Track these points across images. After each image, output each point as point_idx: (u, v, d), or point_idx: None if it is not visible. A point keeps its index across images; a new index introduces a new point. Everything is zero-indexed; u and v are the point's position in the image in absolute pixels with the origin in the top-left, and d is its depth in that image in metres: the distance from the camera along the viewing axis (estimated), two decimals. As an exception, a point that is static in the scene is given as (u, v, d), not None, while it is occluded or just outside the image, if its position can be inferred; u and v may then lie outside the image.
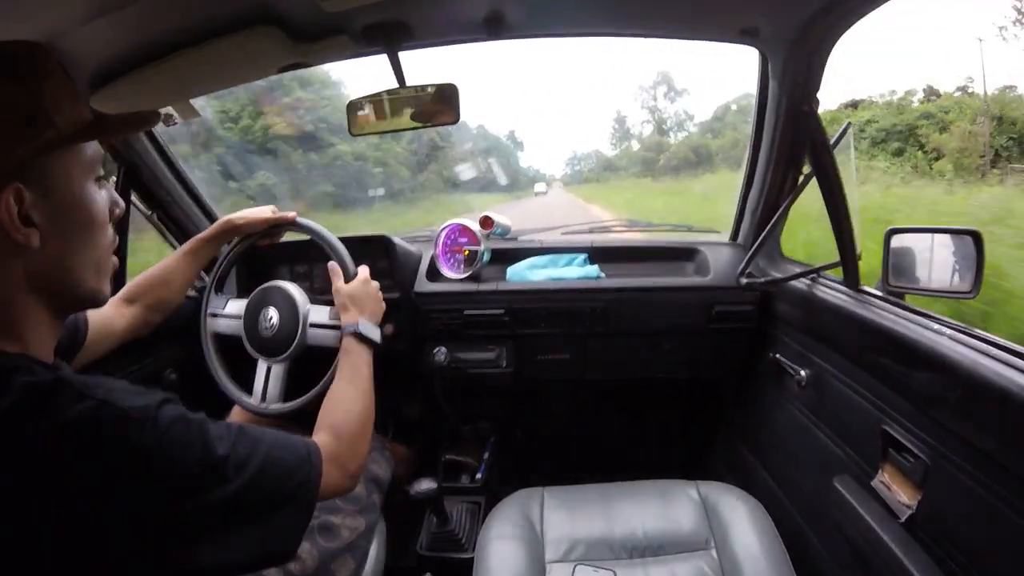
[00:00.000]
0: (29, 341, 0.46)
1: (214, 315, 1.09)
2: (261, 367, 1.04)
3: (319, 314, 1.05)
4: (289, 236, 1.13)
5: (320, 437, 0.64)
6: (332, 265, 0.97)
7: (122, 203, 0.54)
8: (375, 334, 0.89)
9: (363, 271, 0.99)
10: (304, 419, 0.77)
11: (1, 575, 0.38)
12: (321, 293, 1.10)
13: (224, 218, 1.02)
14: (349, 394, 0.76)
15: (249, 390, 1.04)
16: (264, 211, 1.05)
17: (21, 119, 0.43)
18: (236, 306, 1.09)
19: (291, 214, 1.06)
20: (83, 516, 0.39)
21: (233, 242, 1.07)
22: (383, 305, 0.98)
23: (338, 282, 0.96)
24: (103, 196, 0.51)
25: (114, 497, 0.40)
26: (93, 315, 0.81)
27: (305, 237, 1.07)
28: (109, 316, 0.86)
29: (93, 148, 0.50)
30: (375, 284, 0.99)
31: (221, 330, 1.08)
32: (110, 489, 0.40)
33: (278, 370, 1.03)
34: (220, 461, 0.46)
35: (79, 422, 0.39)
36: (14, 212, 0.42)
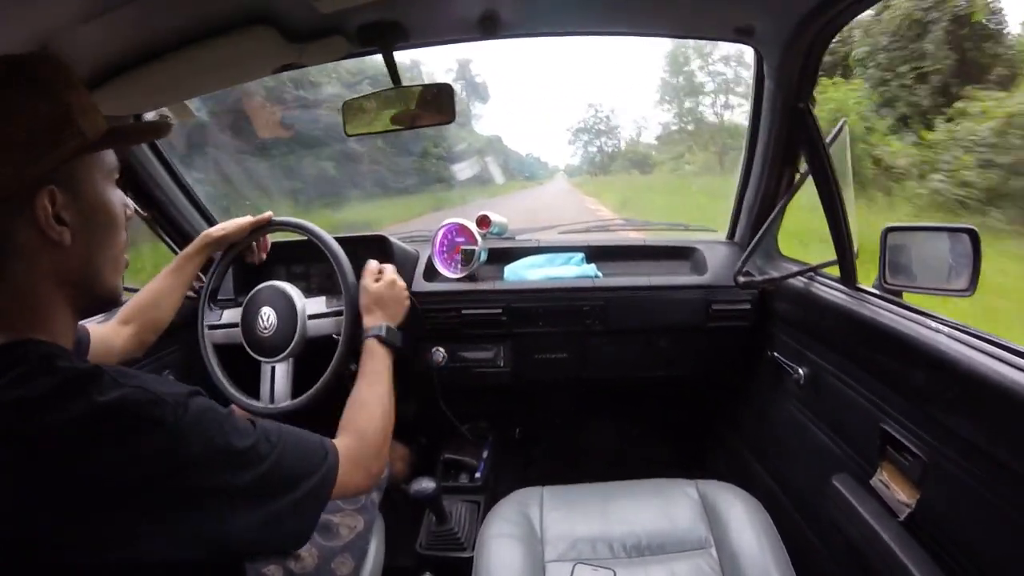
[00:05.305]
0: (56, 336, 0.49)
1: (211, 327, 1.09)
2: (265, 369, 1.04)
3: (316, 305, 1.05)
4: (286, 236, 1.13)
5: (343, 439, 0.67)
6: (371, 264, 1.01)
7: (132, 204, 0.58)
8: (397, 338, 0.91)
9: (389, 270, 1.02)
10: (321, 417, 0.78)
11: (33, 551, 0.40)
12: (318, 292, 1.10)
13: (203, 232, 1.04)
14: (371, 396, 0.78)
15: (256, 395, 1.03)
16: (242, 220, 1.06)
17: (50, 129, 0.46)
18: (231, 314, 1.09)
19: (267, 214, 1.07)
20: (115, 491, 0.41)
21: (219, 255, 1.08)
22: (407, 305, 1.01)
23: (367, 280, 0.98)
24: (119, 197, 0.54)
25: (144, 474, 0.43)
26: (95, 331, 0.83)
27: (299, 237, 1.07)
28: (109, 334, 0.88)
29: (112, 153, 0.53)
30: (401, 284, 1.02)
31: (219, 341, 1.09)
32: (142, 466, 0.42)
33: (283, 369, 1.03)
34: (243, 451, 0.49)
35: (118, 403, 0.42)
36: (48, 212, 0.46)
